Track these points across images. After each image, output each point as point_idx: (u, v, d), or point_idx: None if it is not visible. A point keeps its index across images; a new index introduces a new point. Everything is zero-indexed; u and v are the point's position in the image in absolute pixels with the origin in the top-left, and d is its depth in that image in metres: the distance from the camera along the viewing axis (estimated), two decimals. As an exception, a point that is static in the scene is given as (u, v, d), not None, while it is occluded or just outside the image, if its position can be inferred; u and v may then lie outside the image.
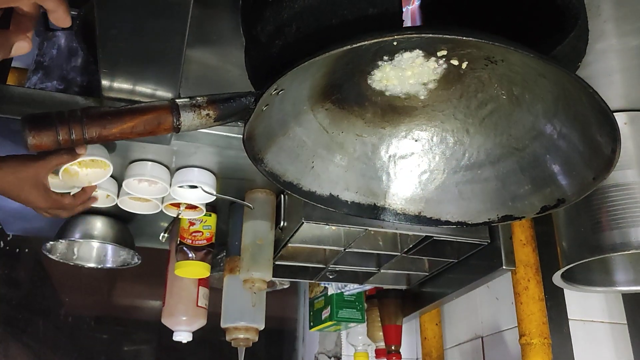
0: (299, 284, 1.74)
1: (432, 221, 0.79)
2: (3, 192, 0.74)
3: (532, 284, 1.06)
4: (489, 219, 0.76)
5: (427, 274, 1.25)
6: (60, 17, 0.57)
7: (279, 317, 1.76)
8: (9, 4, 0.55)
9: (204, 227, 1.13)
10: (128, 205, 1.04)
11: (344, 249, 1.10)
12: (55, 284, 1.63)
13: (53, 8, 0.56)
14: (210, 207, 1.13)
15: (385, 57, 0.63)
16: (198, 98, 0.56)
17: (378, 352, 1.41)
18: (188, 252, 1.12)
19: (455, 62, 0.64)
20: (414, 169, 0.77)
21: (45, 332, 1.56)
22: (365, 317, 1.40)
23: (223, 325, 1.15)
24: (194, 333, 1.23)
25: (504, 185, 0.74)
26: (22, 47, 0.57)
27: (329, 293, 1.38)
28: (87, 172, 0.89)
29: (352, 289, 1.36)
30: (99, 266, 1.27)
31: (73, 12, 1.08)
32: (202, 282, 1.22)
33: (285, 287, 1.38)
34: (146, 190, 0.99)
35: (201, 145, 0.92)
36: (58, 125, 0.50)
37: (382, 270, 1.22)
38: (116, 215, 1.16)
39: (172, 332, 1.22)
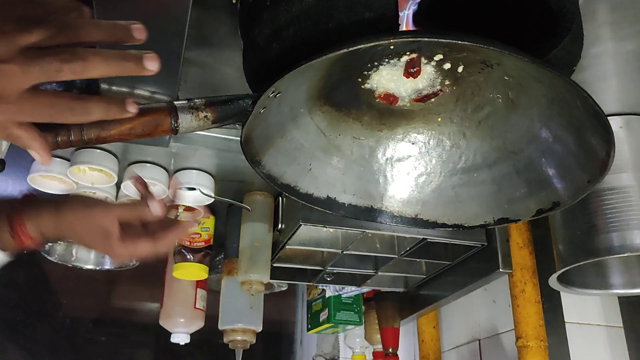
0: (297, 286, 1.75)
1: (429, 224, 0.79)
2: (68, 240, 0.70)
3: (528, 287, 1.06)
4: (485, 222, 0.77)
5: (424, 276, 1.26)
6: (37, 155, 0.49)
7: (276, 320, 1.76)
8: None
9: (202, 229, 1.13)
10: (126, 207, 1.05)
11: (342, 252, 1.11)
12: (53, 285, 1.62)
13: (26, 145, 0.49)
14: (209, 209, 1.14)
15: (382, 61, 0.63)
16: (196, 100, 0.56)
17: (375, 355, 1.41)
18: (186, 254, 1.12)
19: (451, 66, 0.64)
20: (410, 171, 0.78)
21: (43, 334, 1.56)
22: (363, 320, 1.40)
23: (221, 327, 1.15)
24: (191, 335, 1.23)
25: (500, 188, 0.75)
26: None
27: (327, 295, 1.39)
28: (93, 174, 0.94)
29: (349, 291, 1.37)
30: (97, 268, 1.27)
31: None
32: (200, 284, 1.22)
33: (283, 289, 1.38)
34: (144, 192, 1.00)
35: (200, 148, 0.93)
36: (57, 127, 0.51)
37: (379, 273, 1.22)
38: (114, 216, 1.16)
39: (169, 334, 1.22)
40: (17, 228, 0.63)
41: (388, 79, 0.67)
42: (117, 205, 0.69)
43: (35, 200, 0.67)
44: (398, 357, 1.34)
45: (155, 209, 0.65)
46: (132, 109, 0.49)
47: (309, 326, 1.47)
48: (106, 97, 0.49)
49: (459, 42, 0.51)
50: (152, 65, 0.48)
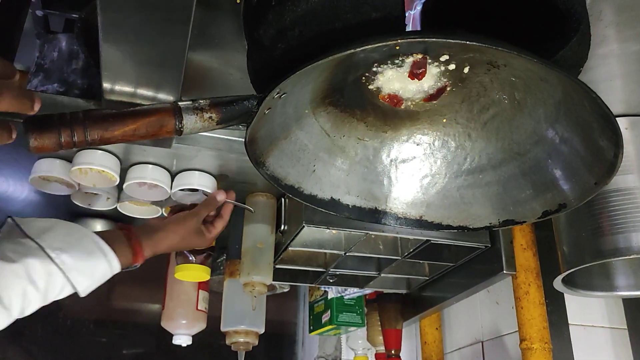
0: (299, 287, 1.74)
1: (434, 225, 0.79)
2: (172, 249, 0.87)
3: (532, 289, 1.06)
4: (490, 224, 0.76)
5: (427, 278, 1.25)
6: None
7: (278, 321, 1.75)
8: None
9: (205, 230, 1.13)
10: (128, 208, 1.04)
11: (345, 253, 1.10)
12: (54, 286, 1.62)
13: None
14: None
15: (388, 61, 0.63)
16: (201, 101, 0.56)
17: (378, 356, 1.40)
18: (188, 255, 1.11)
19: (457, 67, 0.64)
20: (415, 173, 0.77)
21: (44, 335, 1.56)
22: (365, 321, 1.40)
23: (223, 328, 1.15)
24: (193, 337, 1.22)
25: (505, 190, 0.74)
26: None
27: (329, 297, 1.38)
28: (95, 175, 0.93)
29: (352, 292, 1.36)
30: (99, 269, 1.27)
31: (74, 15, 1.09)
32: (202, 285, 1.22)
33: (285, 290, 1.37)
34: (147, 193, 0.99)
35: (202, 149, 0.92)
36: (60, 128, 0.50)
37: (382, 274, 1.21)
38: (116, 218, 1.16)
39: (171, 335, 1.21)
40: (136, 248, 0.78)
41: (393, 80, 0.66)
42: (199, 208, 0.87)
43: (143, 227, 0.83)
44: (400, 359, 1.33)
45: (222, 197, 0.88)
46: (14, 135, 0.55)
47: (311, 328, 1.46)
48: None
49: (467, 42, 0.50)
50: (37, 107, 0.55)
